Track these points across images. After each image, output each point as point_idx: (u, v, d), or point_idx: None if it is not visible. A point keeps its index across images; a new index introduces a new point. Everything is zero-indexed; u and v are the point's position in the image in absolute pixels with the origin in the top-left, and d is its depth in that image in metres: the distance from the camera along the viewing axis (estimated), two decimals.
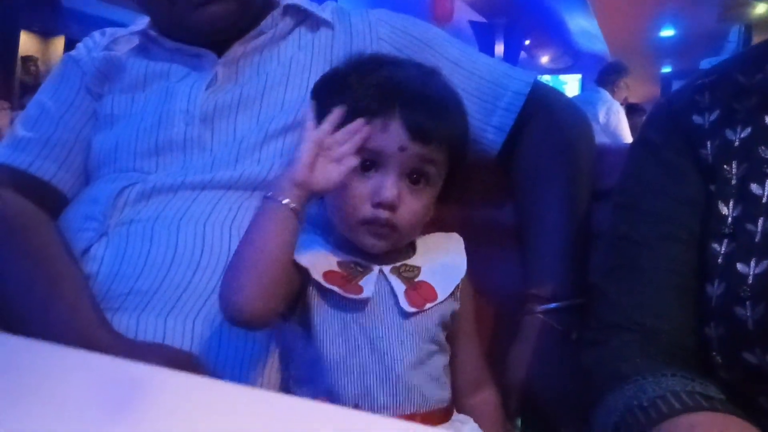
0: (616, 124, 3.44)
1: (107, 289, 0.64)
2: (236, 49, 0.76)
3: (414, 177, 0.60)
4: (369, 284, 0.60)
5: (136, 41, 0.80)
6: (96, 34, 0.84)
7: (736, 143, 0.53)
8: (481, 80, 0.77)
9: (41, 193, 0.73)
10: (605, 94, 3.56)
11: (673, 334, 0.50)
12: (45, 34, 5.63)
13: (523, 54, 9.00)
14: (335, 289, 0.58)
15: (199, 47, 0.76)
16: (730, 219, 0.50)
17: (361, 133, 0.58)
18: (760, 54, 0.56)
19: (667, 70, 8.04)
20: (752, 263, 0.47)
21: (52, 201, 0.74)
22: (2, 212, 0.69)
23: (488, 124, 0.76)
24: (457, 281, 0.64)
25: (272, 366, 0.64)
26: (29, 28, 5.45)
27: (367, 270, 0.61)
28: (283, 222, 0.55)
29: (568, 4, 6.98)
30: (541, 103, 0.77)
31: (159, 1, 0.72)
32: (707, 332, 0.48)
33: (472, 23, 7.74)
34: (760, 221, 0.49)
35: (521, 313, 0.69)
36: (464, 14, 7.27)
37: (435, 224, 0.68)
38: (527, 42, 8.81)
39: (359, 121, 0.58)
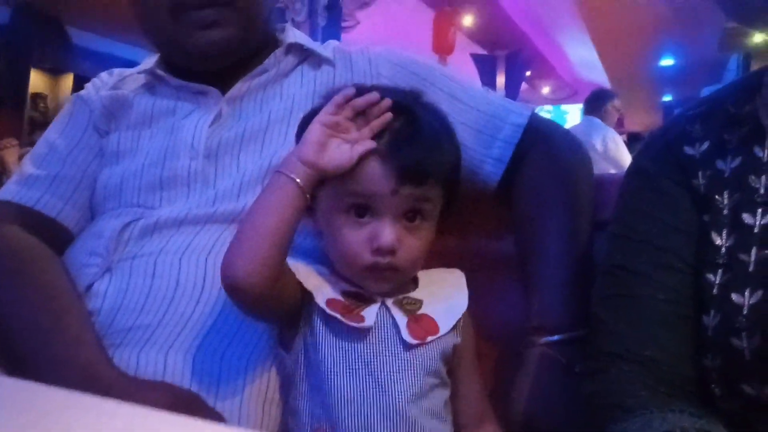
0: (614, 149, 3.46)
1: (110, 324, 0.65)
2: (240, 87, 0.78)
3: (410, 215, 0.60)
4: (371, 315, 0.60)
5: (143, 80, 0.82)
6: (104, 74, 0.86)
7: (727, 173, 0.53)
8: (480, 113, 0.78)
9: (47, 229, 0.74)
10: (597, 122, 3.60)
11: (672, 364, 0.50)
12: (54, 71, 5.74)
13: (524, 85, 9.11)
14: (337, 316, 0.58)
15: (204, 84, 0.78)
16: (723, 249, 0.51)
17: (380, 120, 0.59)
18: (750, 85, 0.57)
19: (668, 98, 8.12)
20: (747, 293, 0.48)
21: (58, 236, 0.75)
22: (8, 248, 0.70)
23: (487, 156, 0.77)
24: (459, 315, 0.64)
25: (272, 401, 0.64)
26: (39, 66, 5.56)
27: (369, 301, 0.61)
28: (287, 196, 0.56)
29: (567, 36, 7.09)
30: (539, 134, 0.78)
31: (163, 24, 0.74)
32: (705, 363, 0.48)
33: (474, 56, 7.86)
34: (753, 251, 0.49)
35: (523, 345, 0.69)
36: (465, 47, 7.39)
37: (436, 255, 0.68)
38: (528, 73, 8.92)
39: (371, 95, 0.59)
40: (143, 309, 0.64)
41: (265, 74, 0.79)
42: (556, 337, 0.66)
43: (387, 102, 0.60)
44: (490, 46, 7.79)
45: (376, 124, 0.59)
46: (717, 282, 0.50)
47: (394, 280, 0.61)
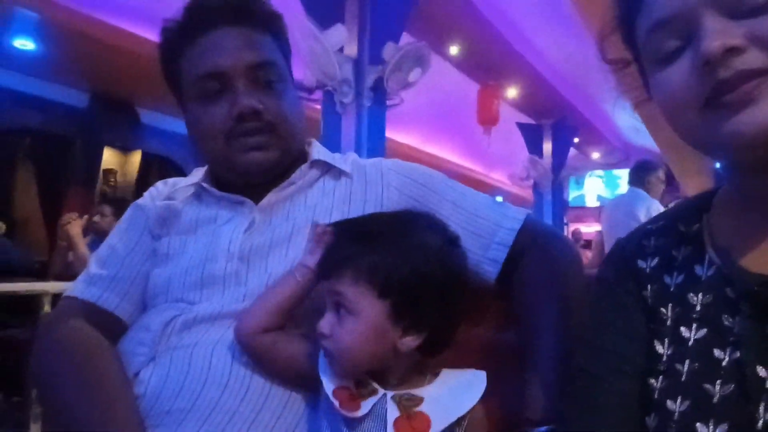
0: None
1: (151, 408, 0.75)
2: (270, 197, 0.90)
3: (337, 307, 0.68)
4: (367, 405, 0.66)
5: (191, 190, 0.96)
6: (160, 183, 1.01)
7: (672, 288, 0.58)
8: (479, 219, 0.87)
9: (106, 321, 0.87)
10: (642, 194, 3.60)
11: None
12: (124, 149, 6.20)
13: (574, 151, 9.15)
14: (335, 402, 0.67)
15: (241, 196, 0.91)
16: (664, 357, 0.56)
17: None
18: (699, 205, 0.62)
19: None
20: (678, 401, 0.52)
21: (115, 327, 0.87)
22: (73, 339, 0.83)
23: (485, 257, 0.85)
24: (454, 418, 0.66)
25: None
26: (112, 145, 6.04)
27: (374, 392, 0.68)
28: (288, 286, 0.77)
29: (612, 103, 7.15)
30: (533, 237, 0.86)
31: (215, 142, 0.88)
32: None
33: (520, 125, 8.01)
34: (687, 362, 0.54)
35: None
36: (511, 116, 7.55)
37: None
38: (576, 140, 8.97)
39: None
40: (179, 395, 0.74)
41: (292, 186, 0.91)
42: (542, 429, 0.72)
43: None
44: (536, 115, 7.93)
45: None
46: (657, 387, 0.55)
47: (335, 366, 0.69)
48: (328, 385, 0.68)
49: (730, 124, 0.48)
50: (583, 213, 12.01)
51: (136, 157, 6.33)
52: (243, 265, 0.85)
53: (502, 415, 0.83)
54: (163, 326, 0.81)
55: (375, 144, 4.21)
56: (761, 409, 0.47)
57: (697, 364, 0.53)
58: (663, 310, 0.58)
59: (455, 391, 0.69)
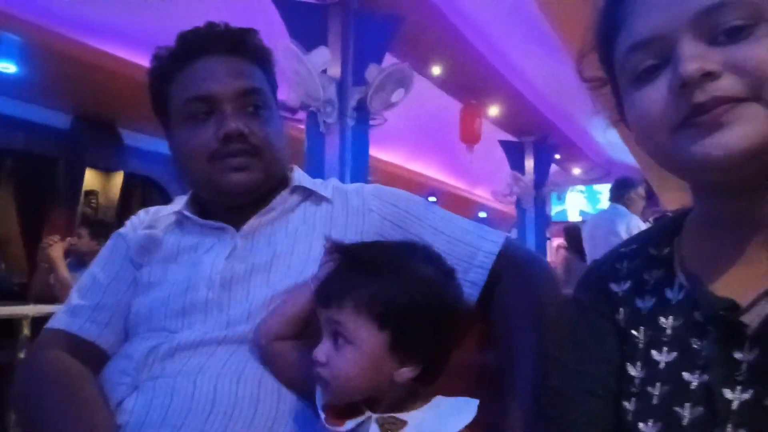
0: None
1: None
2: (252, 223, 0.91)
3: (335, 337, 0.68)
4: (351, 424, 0.68)
5: (173, 219, 0.97)
6: (141, 212, 1.01)
7: (644, 312, 0.59)
8: (458, 243, 0.89)
9: (88, 352, 0.87)
10: (621, 210, 3.66)
11: None
12: (107, 170, 6.16)
13: (555, 167, 9.26)
14: (322, 416, 0.69)
15: (222, 222, 0.92)
16: (637, 380, 0.57)
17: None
18: (670, 228, 0.63)
19: None
20: (650, 423, 0.54)
21: (96, 358, 0.87)
22: (53, 369, 0.83)
23: (465, 280, 0.87)
24: None
25: None
26: (94, 166, 5.99)
27: (361, 413, 0.69)
28: (303, 292, 0.79)
29: (592, 122, 7.28)
30: (512, 260, 0.88)
31: (200, 163, 0.89)
32: None
33: (502, 142, 8.10)
34: (658, 385, 0.55)
35: None
36: (493, 134, 7.64)
37: None
38: (558, 156, 9.09)
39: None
40: (163, 423, 0.74)
41: (273, 212, 0.92)
42: None
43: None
44: (518, 133, 8.03)
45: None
46: (630, 410, 0.56)
47: (329, 392, 0.69)
48: (320, 400, 0.70)
49: (700, 146, 0.49)
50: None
51: (118, 179, 6.28)
52: (225, 292, 0.86)
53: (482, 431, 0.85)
54: (146, 355, 0.82)
55: (358, 163, 4.24)
56: (728, 431, 0.49)
57: (667, 387, 0.54)
58: (635, 333, 0.59)
59: (441, 417, 0.69)
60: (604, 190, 9.20)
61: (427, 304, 0.69)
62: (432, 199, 11.44)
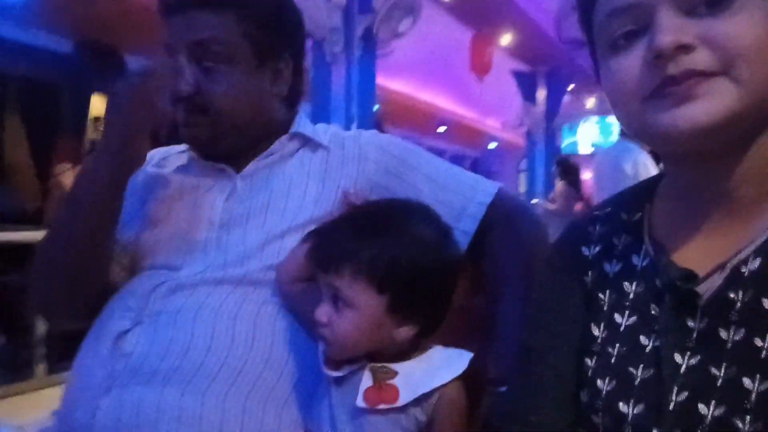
0: (644, 174, 3.45)
1: (140, 366, 0.80)
2: (251, 167, 0.93)
3: (334, 299, 0.71)
4: (347, 370, 0.72)
5: (179, 159, 1.00)
6: (154, 151, 1.03)
7: (610, 276, 0.61)
8: (450, 192, 0.91)
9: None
10: (630, 145, 3.56)
11: (553, 428, 0.60)
12: None
13: (567, 98, 9.09)
14: (322, 360, 0.74)
15: (223, 164, 0.94)
16: (599, 340, 0.60)
17: None
18: (643, 194, 0.64)
19: None
20: (606, 380, 0.57)
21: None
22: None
23: (456, 229, 0.89)
24: (419, 393, 0.69)
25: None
26: (100, 91, 5.96)
27: (357, 362, 0.73)
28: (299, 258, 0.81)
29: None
30: (503, 211, 0.90)
31: (163, 122, 0.90)
32: (580, 430, 0.59)
33: (515, 72, 7.92)
34: (617, 346, 0.58)
35: (486, 393, 0.81)
36: (506, 63, 7.46)
37: None
38: (571, 87, 8.90)
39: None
40: (165, 357, 0.79)
41: (272, 156, 0.94)
42: (503, 389, 0.78)
43: None
44: (531, 63, 7.83)
45: None
46: (591, 366, 0.59)
47: (331, 349, 0.73)
48: (322, 344, 0.74)
49: (669, 116, 0.50)
50: (575, 160, 12.01)
51: None
52: (223, 233, 0.89)
53: (470, 373, 0.90)
54: (149, 292, 0.86)
55: (365, 94, 4.19)
56: (674, 393, 0.52)
57: (625, 348, 0.57)
58: (601, 295, 0.61)
59: (431, 369, 0.72)
60: (615, 122, 9.06)
61: (425, 266, 0.70)
62: (442, 129, 11.32)
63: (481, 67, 6.21)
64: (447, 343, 0.80)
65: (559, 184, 5.07)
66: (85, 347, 0.87)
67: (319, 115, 4.15)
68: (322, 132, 0.98)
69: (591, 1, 0.57)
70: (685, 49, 0.49)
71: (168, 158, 1.01)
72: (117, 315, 0.87)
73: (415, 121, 9.92)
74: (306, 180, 0.92)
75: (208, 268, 0.86)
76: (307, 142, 0.97)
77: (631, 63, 0.52)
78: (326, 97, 4.10)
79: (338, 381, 0.73)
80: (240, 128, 0.93)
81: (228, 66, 0.89)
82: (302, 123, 0.99)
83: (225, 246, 0.88)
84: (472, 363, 0.91)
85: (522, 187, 10.45)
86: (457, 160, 13.96)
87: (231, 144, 0.93)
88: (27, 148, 5.94)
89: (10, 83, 5.64)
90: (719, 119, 0.49)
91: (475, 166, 14.59)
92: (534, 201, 4.81)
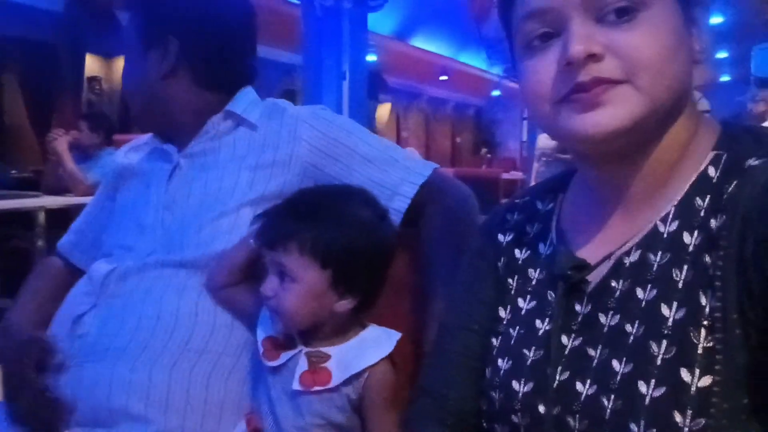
0: None
1: (94, 344, 0.86)
2: (192, 147, 0.96)
3: (281, 275, 0.76)
4: (285, 357, 0.77)
5: (145, 147, 1.04)
6: (136, 139, 1.11)
7: (519, 262, 0.65)
8: (385, 172, 0.93)
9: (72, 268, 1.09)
10: None
11: (457, 402, 0.65)
12: (108, 55, 6.08)
13: None
14: (260, 349, 0.79)
15: (168, 144, 0.98)
16: (504, 321, 0.64)
17: None
18: (557, 186, 0.67)
19: (723, 55, 7.75)
20: (505, 359, 0.61)
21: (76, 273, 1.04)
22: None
23: (390, 207, 0.91)
24: (348, 375, 0.75)
25: (219, 413, 0.83)
26: (94, 51, 5.92)
27: (294, 346, 0.78)
28: (243, 246, 0.86)
29: None
30: (436, 191, 0.93)
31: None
32: (482, 405, 0.63)
33: None
34: (517, 328, 0.62)
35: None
36: None
37: None
38: None
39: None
40: (116, 336, 0.85)
41: (206, 135, 0.96)
42: None
43: None
44: None
45: None
46: (495, 346, 0.64)
47: (282, 321, 0.78)
48: (260, 334, 0.80)
49: (578, 121, 0.53)
50: None
51: (120, 64, 6.20)
52: (168, 213, 0.93)
53: (405, 347, 0.95)
54: (104, 276, 0.91)
55: (357, 48, 4.13)
56: (558, 372, 0.56)
57: (522, 331, 0.62)
58: (510, 280, 0.66)
59: (361, 350, 0.77)
60: None
61: (364, 245, 0.77)
62: (443, 77, 11.15)
63: (480, 11, 6.05)
64: (389, 317, 0.84)
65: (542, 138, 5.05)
66: (51, 330, 0.93)
67: (312, 71, 4.13)
68: (255, 109, 0.98)
69: (509, 2, 0.59)
70: (594, 57, 0.51)
71: (141, 146, 1.06)
72: (78, 300, 0.93)
73: (415, 70, 9.76)
74: (239, 162, 0.93)
75: (155, 250, 0.91)
76: (242, 121, 0.98)
77: (544, 67, 0.55)
78: (317, 52, 4.05)
79: (276, 369, 0.78)
80: (147, 109, 1.01)
81: (127, 55, 1.02)
82: (240, 102, 0.99)
83: (169, 227, 0.92)
84: (412, 336, 0.97)
85: (524, 135, 10.38)
86: (460, 108, 13.80)
87: (150, 124, 1.03)
88: (25, 111, 5.96)
89: (4, 45, 5.62)
90: (624, 124, 0.51)
91: (479, 114, 14.44)
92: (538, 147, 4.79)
